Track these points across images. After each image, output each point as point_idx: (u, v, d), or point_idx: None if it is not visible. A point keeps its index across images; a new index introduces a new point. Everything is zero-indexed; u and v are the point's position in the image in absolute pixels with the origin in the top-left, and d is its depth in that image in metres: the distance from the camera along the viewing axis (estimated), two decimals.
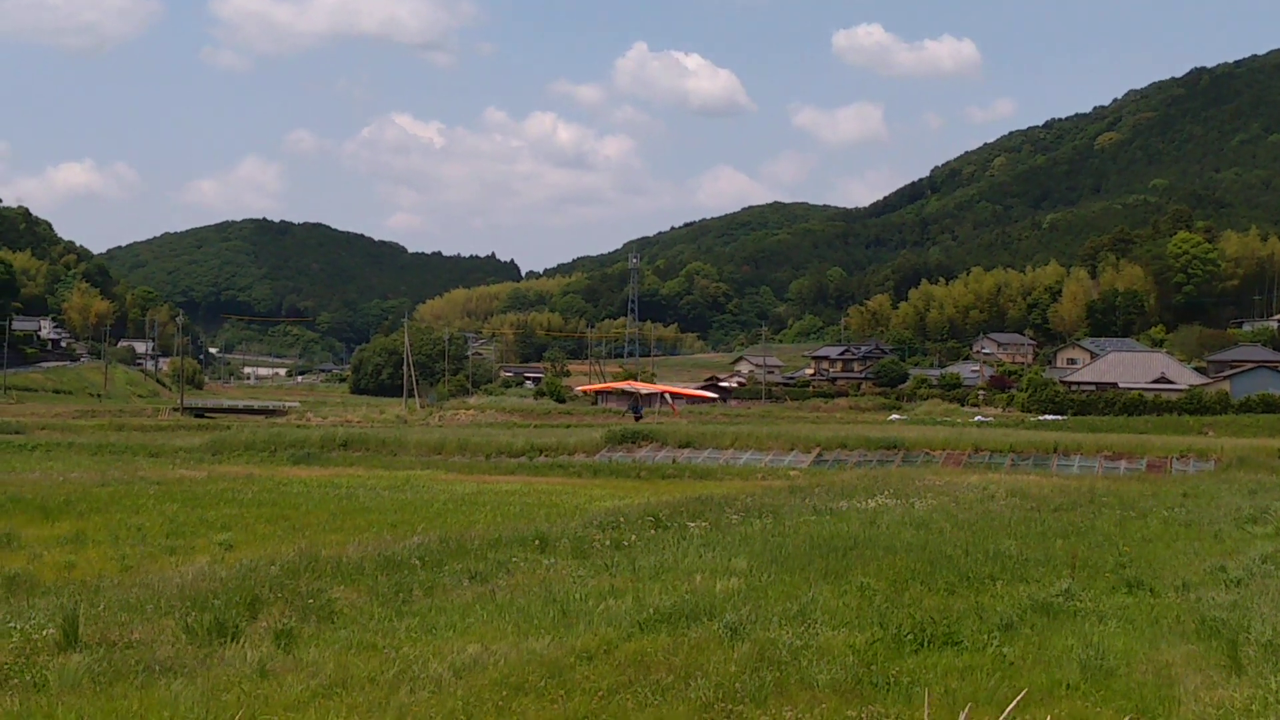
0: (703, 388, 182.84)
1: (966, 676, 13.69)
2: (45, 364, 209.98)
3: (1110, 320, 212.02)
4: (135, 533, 32.57)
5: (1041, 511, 33.32)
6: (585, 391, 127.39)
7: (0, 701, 12.87)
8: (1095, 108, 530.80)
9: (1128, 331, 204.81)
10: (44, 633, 16.10)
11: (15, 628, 16.53)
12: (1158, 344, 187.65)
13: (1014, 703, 7.03)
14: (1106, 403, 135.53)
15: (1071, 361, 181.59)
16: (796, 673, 13.79)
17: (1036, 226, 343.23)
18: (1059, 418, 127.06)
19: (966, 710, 6.83)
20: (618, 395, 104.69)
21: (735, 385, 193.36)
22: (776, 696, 12.82)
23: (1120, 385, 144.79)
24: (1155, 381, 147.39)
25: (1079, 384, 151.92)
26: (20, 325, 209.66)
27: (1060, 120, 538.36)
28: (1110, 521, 30.86)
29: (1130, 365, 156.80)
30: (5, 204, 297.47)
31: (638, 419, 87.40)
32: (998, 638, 15.75)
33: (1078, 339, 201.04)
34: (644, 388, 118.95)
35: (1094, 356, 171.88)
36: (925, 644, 15.27)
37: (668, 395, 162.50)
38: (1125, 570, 21.73)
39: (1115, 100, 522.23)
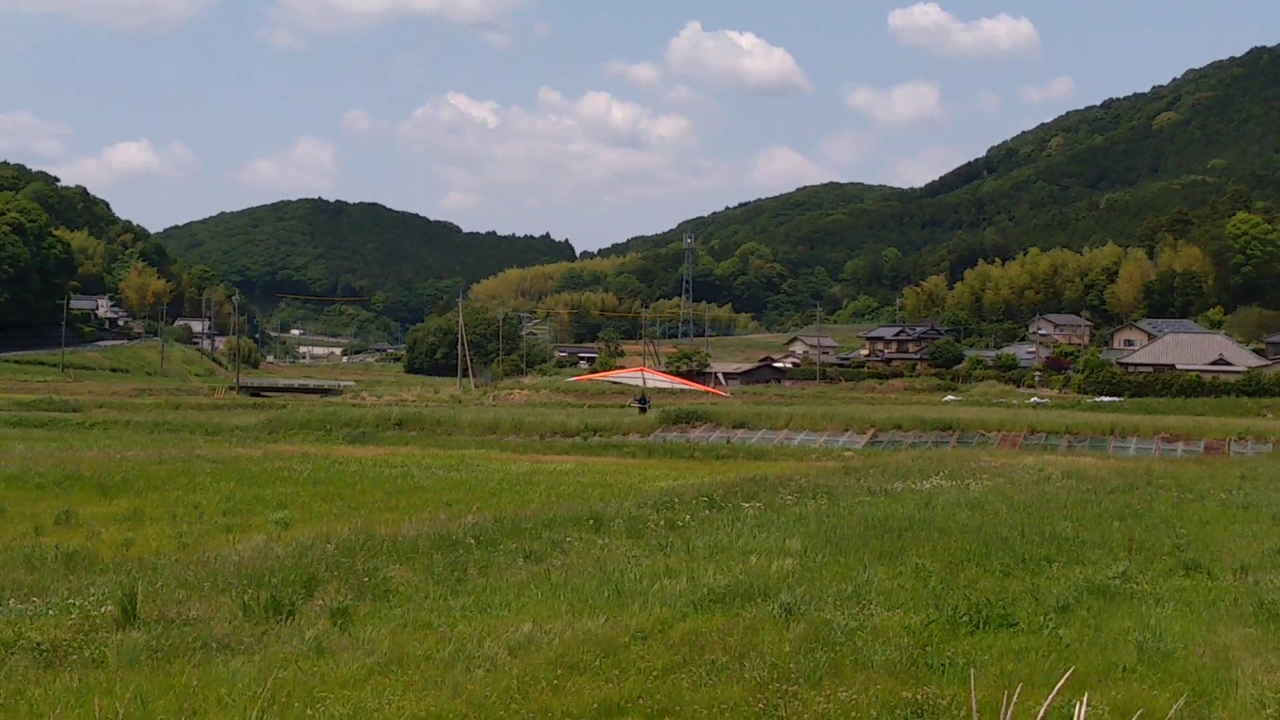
0: (756, 368, 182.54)
1: (1022, 658, 13.64)
2: (102, 342, 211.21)
3: (1168, 301, 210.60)
4: (192, 510, 32.79)
5: (1098, 493, 33.15)
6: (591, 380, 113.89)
7: (60, 677, 12.98)
8: (1154, 87, 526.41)
9: (1185, 313, 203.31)
10: (103, 609, 16.23)
11: (74, 604, 16.66)
12: (1216, 325, 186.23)
13: (1060, 683, 6.97)
14: (1164, 384, 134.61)
15: (1129, 343, 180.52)
16: (851, 653, 13.77)
17: (1094, 207, 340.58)
18: (1116, 399, 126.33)
19: (1017, 691, 6.79)
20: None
21: (789, 366, 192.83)
22: (831, 677, 12.80)
23: (1178, 367, 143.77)
24: (1213, 363, 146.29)
25: (1136, 365, 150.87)
26: (78, 304, 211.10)
27: (1118, 100, 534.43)
28: (1167, 504, 30.68)
29: (1188, 347, 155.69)
30: (64, 184, 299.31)
31: (643, 411, 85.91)
32: (1054, 620, 15.69)
33: (1135, 320, 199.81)
34: (654, 375, 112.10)
35: (1151, 338, 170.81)
36: (981, 626, 15.22)
37: (720, 376, 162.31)
38: (1183, 553, 21.59)
39: (1174, 80, 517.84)
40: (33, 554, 23.60)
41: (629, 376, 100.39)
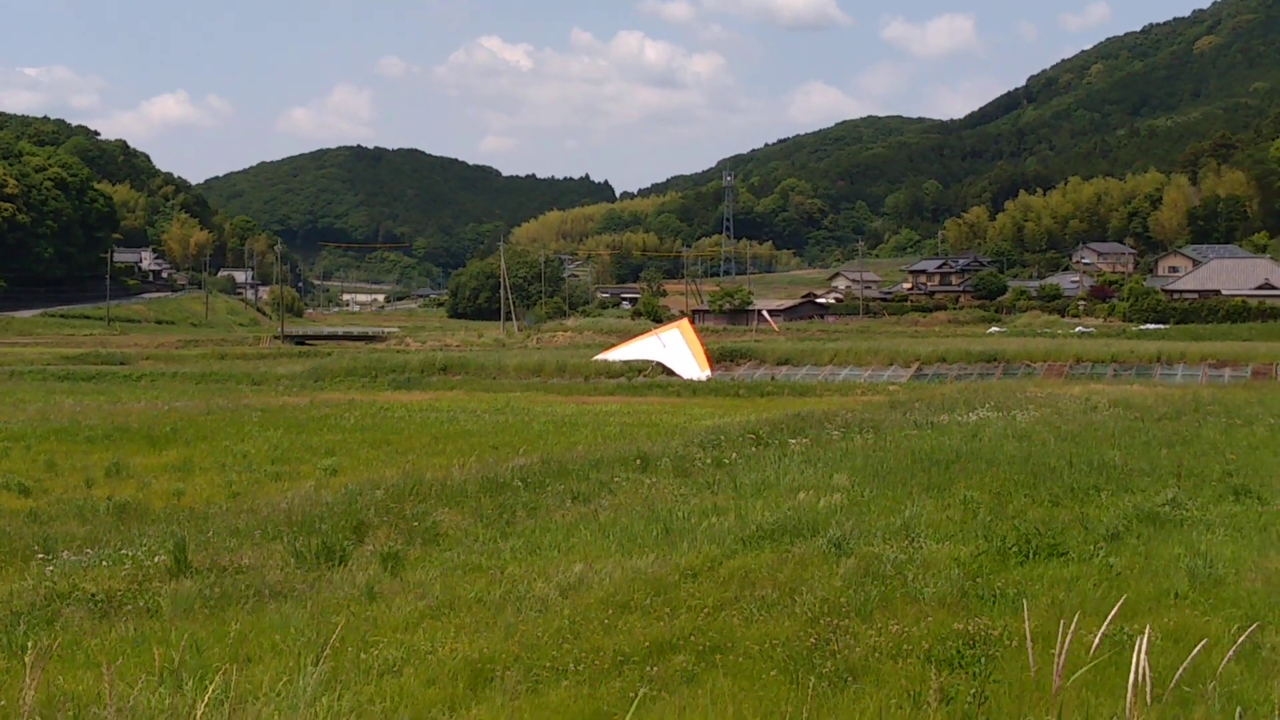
0: (799, 305, 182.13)
1: (1073, 587, 13.60)
2: (147, 295, 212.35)
3: (1212, 227, 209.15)
4: (241, 460, 32.96)
5: (1145, 421, 33.02)
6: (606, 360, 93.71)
7: (115, 626, 13.08)
8: (1194, 11, 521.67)
9: (1230, 238, 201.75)
10: (155, 559, 16.36)
11: (128, 555, 16.80)
12: (1261, 250, 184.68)
13: (1113, 611, 6.93)
14: (1209, 310, 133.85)
15: (1173, 270, 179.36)
16: (901, 587, 13.77)
17: (1135, 134, 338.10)
18: (1161, 326, 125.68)
19: (1074, 620, 6.76)
20: (643, 368, 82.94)
21: (832, 301, 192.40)
22: (882, 610, 12.80)
23: (1223, 293, 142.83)
24: (1259, 288, 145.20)
25: (1181, 292, 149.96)
26: (121, 257, 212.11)
27: (1158, 25, 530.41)
28: (1215, 430, 30.54)
29: (1233, 272, 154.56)
30: (104, 137, 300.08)
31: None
32: (1104, 548, 15.63)
33: (1179, 247, 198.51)
34: (667, 333, 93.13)
35: (1196, 264, 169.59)
36: (1030, 556, 15.18)
37: (764, 312, 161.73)
38: (1232, 478, 21.48)
39: (1214, 2, 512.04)
40: (85, 506, 23.80)
41: (644, 347, 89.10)
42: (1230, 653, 7.26)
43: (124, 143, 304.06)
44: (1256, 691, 9.72)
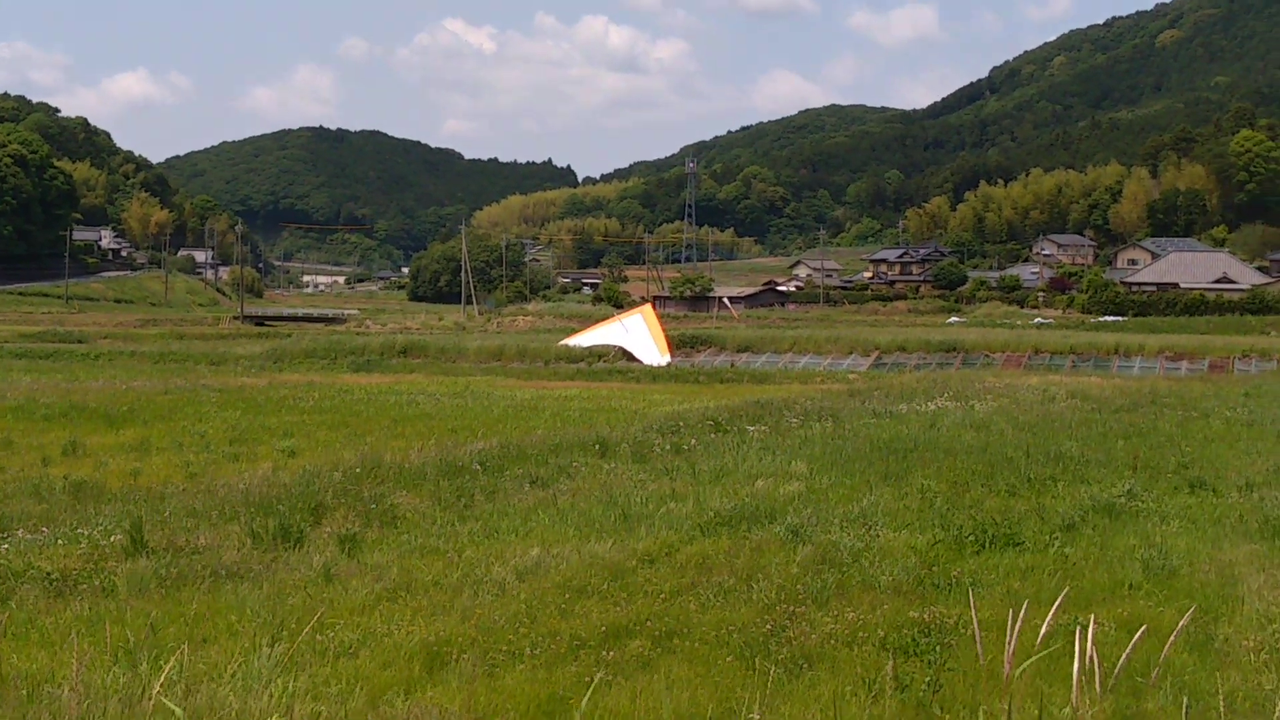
0: (760, 292, 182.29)
1: (1028, 577, 13.69)
2: (106, 273, 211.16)
3: (1172, 220, 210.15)
4: (199, 440, 32.83)
5: (1102, 413, 33.22)
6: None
7: (70, 605, 13.04)
8: (1156, 4, 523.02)
9: (1189, 231, 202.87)
10: (111, 539, 16.29)
11: (83, 534, 16.73)
12: (1220, 244, 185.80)
13: (1059, 600, 7.01)
14: (1168, 303, 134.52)
15: (1132, 262, 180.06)
16: (858, 574, 13.83)
17: (1097, 126, 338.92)
18: (1119, 319, 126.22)
19: (1024, 609, 6.82)
20: (605, 353, 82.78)
21: (793, 289, 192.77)
22: (838, 598, 12.86)
23: (1182, 286, 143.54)
24: (1217, 281, 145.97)
25: (1140, 285, 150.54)
26: (81, 235, 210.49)
27: (1120, 18, 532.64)
28: (1172, 422, 30.73)
29: (1192, 265, 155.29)
30: (65, 114, 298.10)
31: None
32: (1059, 538, 15.73)
33: (1138, 239, 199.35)
34: (630, 318, 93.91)
35: (1155, 257, 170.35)
36: (986, 545, 15.27)
37: (725, 299, 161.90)
38: (1188, 470, 21.63)
39: None
40: (41, 484, 23.69)
41: (608, 333, 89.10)
42: (1172, 638, 7.33)
43: (85, 120, 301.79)
44: (1208, 682, 9.81)
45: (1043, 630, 6.87)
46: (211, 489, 21.29)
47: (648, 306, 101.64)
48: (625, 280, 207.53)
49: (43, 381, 53.74)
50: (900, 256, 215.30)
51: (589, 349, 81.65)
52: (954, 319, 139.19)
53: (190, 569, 14.70)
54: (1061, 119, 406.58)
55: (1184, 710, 7.15)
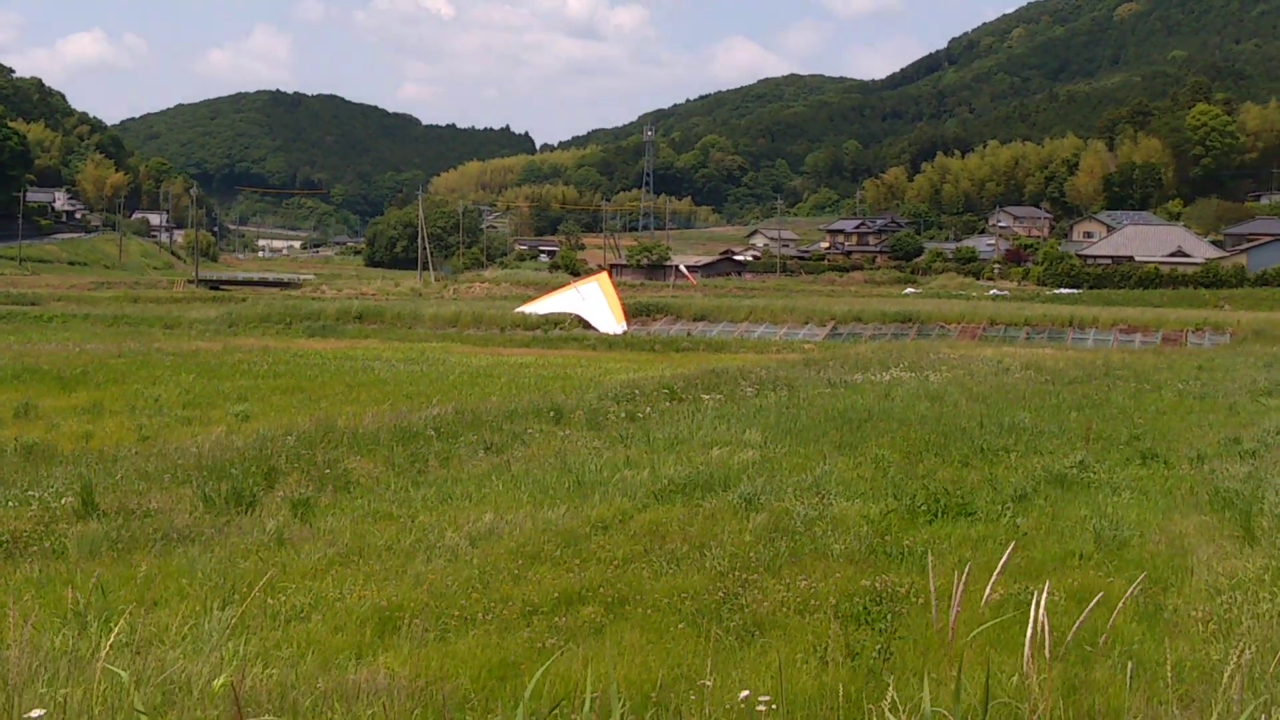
0: (717, 261, 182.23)
1: (979, 546, 13.76)
2: (59, 235, 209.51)
3: (1127, 193, 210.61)
4: (152, 403, 32.64)
5: (1056, 384, 33.40)
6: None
7: (20, 568, 12.98)
8: None
9: (1145, 205, 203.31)
10: (62, 501, 16.21)
11: (34, 496, 16.62)
12: (1175, 217, 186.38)
13: (1003, 559, 7.05)
14: (1122, 276, 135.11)
15: (1088, 235, 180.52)
16: (811, 542, 13.88)
17: (1054, 99, 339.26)
18: (1075, 291, 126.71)
19: (966, 571, 6.87)
20: (561, 320, 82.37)
21: (750, 259, 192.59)
22: (791, 565, 12.91)
23: (1137, 259, 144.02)
24: (1172, 255, 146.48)
25: (1095, 257, 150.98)
26: (34, 197, 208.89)
27: None
28: (1125, 394, 30.93)
29: (1147, 239, 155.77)
30: (19, 75, 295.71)
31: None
32: (1011, 509, 15.83)
33: (1094, 212, 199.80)
34: (586, 285, 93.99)
35: (1110, 230, 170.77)
36: (939, 515, 15.35)
37: (682, 267, 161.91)
38: (1139, 442, 21.79)
39: None
40: None
41: (564, 300, 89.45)
42: (1119, 605, 7.38)
43: (39, 80, 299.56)
44: (1156, 651, 9.87)
45: (985, 594, 6.92)
46: (164, 452, 21.17)
47: (604, 274, 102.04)
48: (582, 248, 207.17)
49: None
50: (857, 227, 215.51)
51: (545, 316, 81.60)
52: (910, 290, 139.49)
53: (142, 532, 14.65)
54: (1019, 91, 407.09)
55: (1128, 677, 7.19)
